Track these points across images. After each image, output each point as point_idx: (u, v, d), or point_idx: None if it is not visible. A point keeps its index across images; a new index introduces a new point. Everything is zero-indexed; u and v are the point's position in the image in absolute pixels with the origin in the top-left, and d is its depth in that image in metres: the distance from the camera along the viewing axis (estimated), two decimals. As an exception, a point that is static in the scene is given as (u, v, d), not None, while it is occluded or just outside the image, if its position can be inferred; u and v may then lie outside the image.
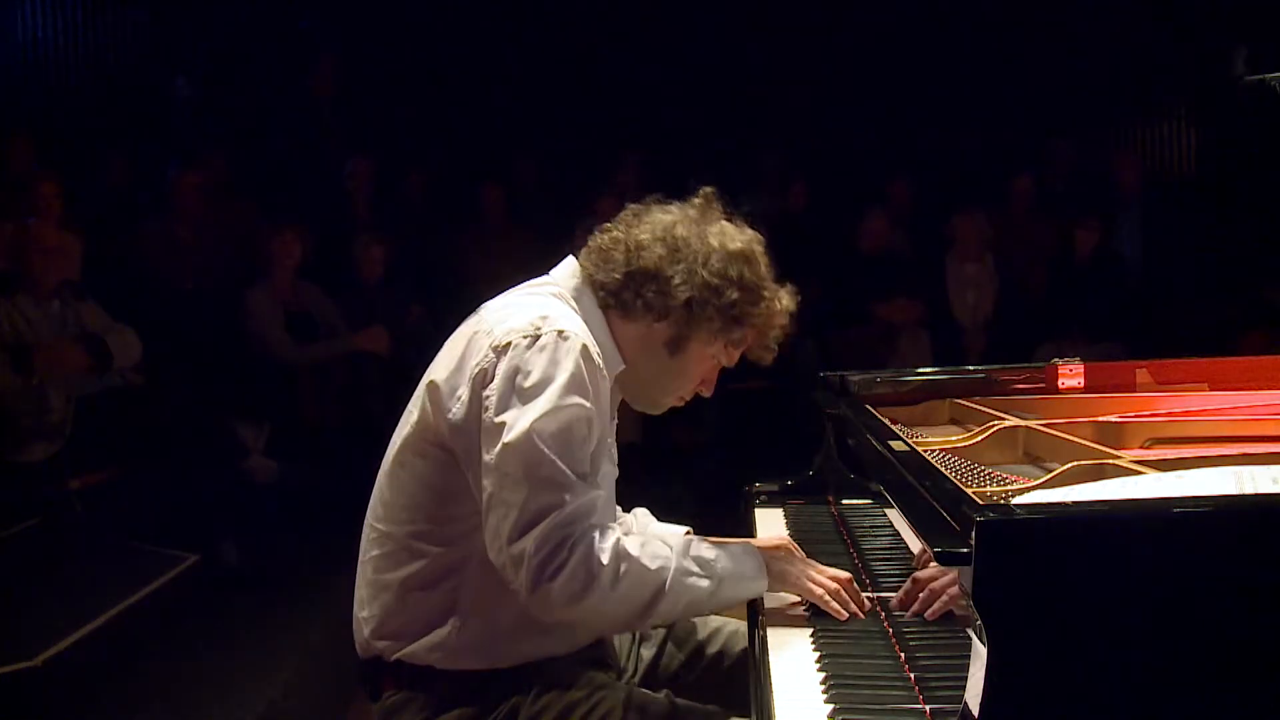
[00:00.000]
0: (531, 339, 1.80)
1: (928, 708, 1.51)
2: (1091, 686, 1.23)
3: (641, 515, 2.29)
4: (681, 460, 6.12)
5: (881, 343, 6.26)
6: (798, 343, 6.18)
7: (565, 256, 2.04)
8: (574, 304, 1.94)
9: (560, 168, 7.44)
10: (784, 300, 1.99)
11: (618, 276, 1.93)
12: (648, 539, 1.87)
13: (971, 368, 2.95)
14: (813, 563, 1.95)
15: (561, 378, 1.77)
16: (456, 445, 1.83)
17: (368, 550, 1.96)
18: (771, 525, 2.53)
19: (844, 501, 2.56)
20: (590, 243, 2.00)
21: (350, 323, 5.79)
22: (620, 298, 1.93)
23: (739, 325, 1.93)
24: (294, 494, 5.02)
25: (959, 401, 2.70)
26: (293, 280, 5.78)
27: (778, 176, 7.35)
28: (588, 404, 1.79)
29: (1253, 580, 1.25)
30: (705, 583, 1.84)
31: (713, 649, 2.12)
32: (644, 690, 1.95)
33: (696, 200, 1.99)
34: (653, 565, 1.79)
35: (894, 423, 2.46)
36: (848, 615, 1.86)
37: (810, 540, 2.30)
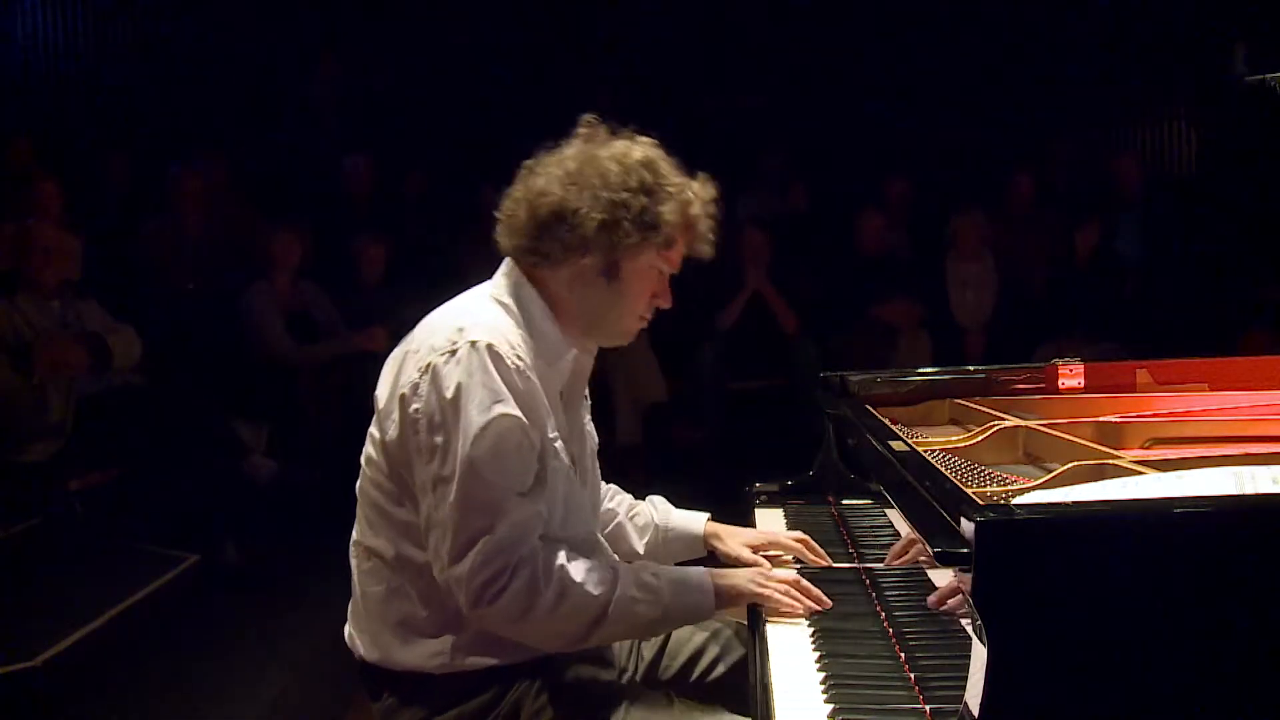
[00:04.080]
0: (449, 354, 1.79)
1: (928, 708, 1.51)
2: (1091, 686, 1.23)
3: (660, 504, 2.30)
4: (681, 460, 6.12)
5: (881, 343, 6.25)
6: (798, 343, 6.21)
7: None
8: (509, 300, 1.91)
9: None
10: (696, 190, 1.94)
11: (530, 232, 1.90)
12: (595, 562, 1.86)
13: (971, 368, 2.94)
14: (763, 572, 1.97)
15: (480, 393, 1.76)
16: (397, 464, 1.85)
17: (355, 564, 1.96)
18: (771, 525, 2.53)
19: (844, 501, 2.56)
20: (498, 217, 1.96)
21: (350, 323, 5.79)
22: (540, 251, 1.90)
23: (656, 230, 1.88)
24: (294, 494, 5.02)
25: (959, 402, 2.70)
26: (293, 280, 5.78)
27: (778, 176, 7.35)
28: (514, 411, 1.77)
29: (1253, 580, 1.25)
30: (651, 609, 1.84)
31: (713, 649, 2.12)
32: (644, 689, 1.95)
33: (581, 130, 1.95)
34: (596, 591, 1.80)
35: (894, 423, 2.45)
36: (803, 610, 1.88)
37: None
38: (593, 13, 8.22)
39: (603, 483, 2.28)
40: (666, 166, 1.92)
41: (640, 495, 2.35)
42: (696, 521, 2.28)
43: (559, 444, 1.89)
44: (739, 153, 7.46)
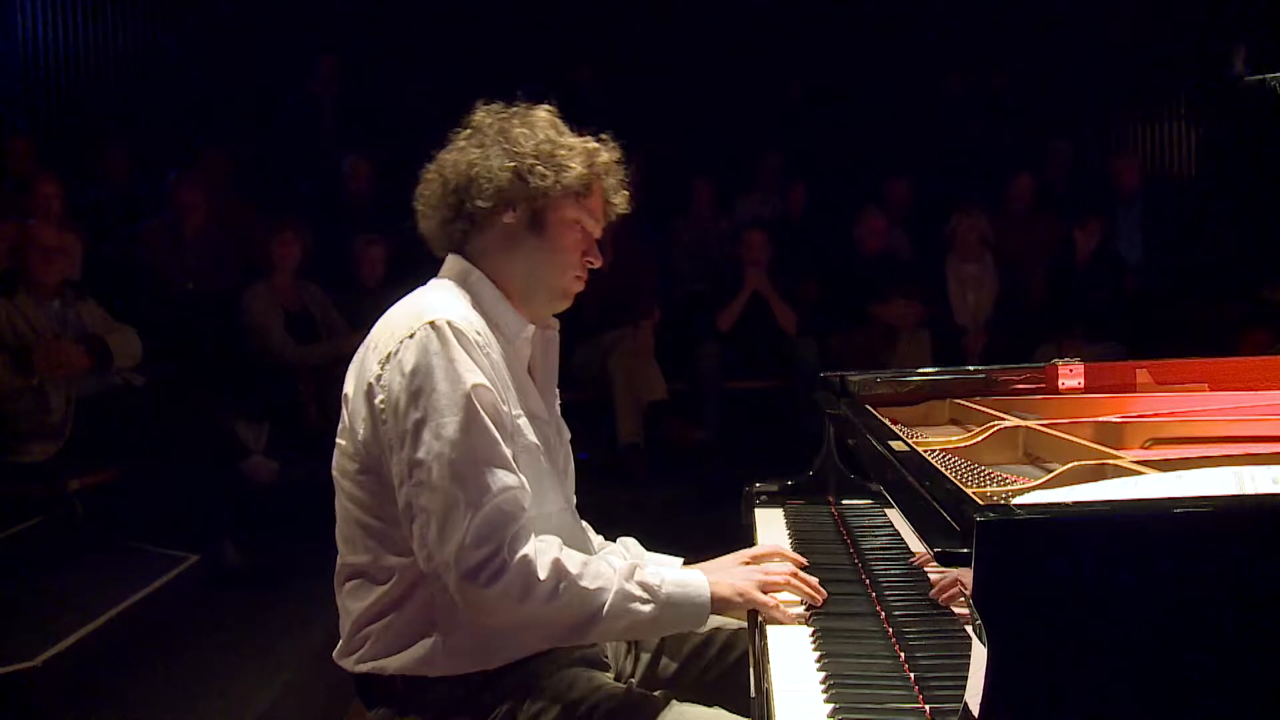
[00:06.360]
0: (408, 338, 1.80)
1: (928, 708, 1.51)
2: (1091, 687, 1.23)
3: (633, 546, 2.24)
4: (681, 460, 6.12)
5: (881, 343, 6.25)
6: (798, 343, 6.21)
7: None
8: (458, 286, 1.94)
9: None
10: (595, 145, 1.98)
11: (449, 201, 1.95)
12: (592, 557, 1.86)
13: (971, 368, 2.94)
14: (761, 568, 1.98)
15: (446, 368, 1.76)
16: (371, 463, 1.84)
17: (338, 591, 1.95)
18: (771, 525, 2.53)
19: (844, 501, 2.56)
20: (416, 208, 2.02)
21: (350, 323, 5.79)
22: (463, 214, 1.94)
23: (568, 170, 1.92)
24: (294, 494, 5.01)
25: (959, 402, 2.70)
26: (293, 280, 5.78)
27: (778, 176, 7.35)
28: (483, 381, 1.78)
29: (1253, 580, 1.25)
30: (648, 608, 1.84)
31: (712, 649, 2.11)
32: (643, 691, 1.94)
33: (478, 111, 2.02)
34: (592, 586, 1.79)
35: (894, 423, 2.45)
36: (809, 604, 1.90)
37: (810, 540, 2.30)
38: (594, 14, 8.21)
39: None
40: (565, 126, 1.99)
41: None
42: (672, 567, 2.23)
43: (523, 421, 1.89)
44: (739, 153, 7.47)
